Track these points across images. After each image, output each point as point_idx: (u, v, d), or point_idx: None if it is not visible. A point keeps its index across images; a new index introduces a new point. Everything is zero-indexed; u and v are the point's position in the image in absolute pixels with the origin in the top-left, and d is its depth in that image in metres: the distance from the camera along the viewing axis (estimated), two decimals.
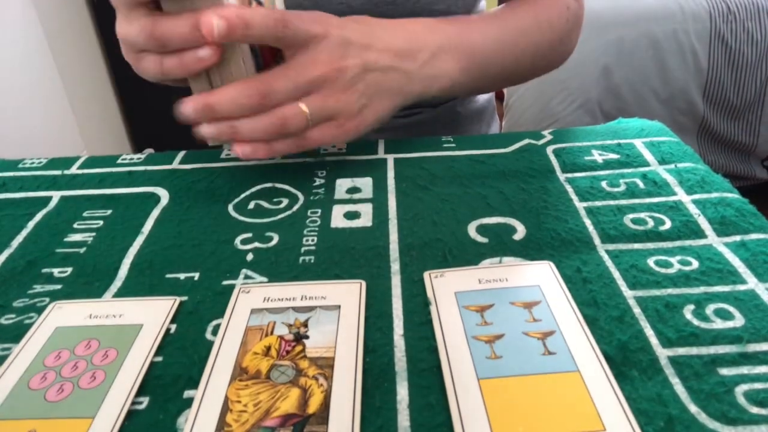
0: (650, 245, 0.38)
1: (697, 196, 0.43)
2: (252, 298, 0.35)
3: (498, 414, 0.27)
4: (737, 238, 0.38)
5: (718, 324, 0.32)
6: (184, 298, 0.36)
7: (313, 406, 0.27)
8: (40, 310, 0.35)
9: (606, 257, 0.37)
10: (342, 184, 0.47)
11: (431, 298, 0.34)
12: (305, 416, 0.27)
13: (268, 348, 0.31)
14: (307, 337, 0.31)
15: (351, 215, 0.43)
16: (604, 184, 0.45)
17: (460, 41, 0.50)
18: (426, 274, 0.36)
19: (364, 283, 0.35)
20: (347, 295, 0.34)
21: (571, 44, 0.59)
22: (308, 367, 0.30)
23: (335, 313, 0.33)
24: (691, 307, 0.33)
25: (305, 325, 0.32)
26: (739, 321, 0.32)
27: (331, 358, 0.30)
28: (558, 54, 0.58)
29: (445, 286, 0.35)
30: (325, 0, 0.58)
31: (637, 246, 0.38)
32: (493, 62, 0.52)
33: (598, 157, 0.49)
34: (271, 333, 0.32)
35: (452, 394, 0.28)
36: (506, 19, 0.54)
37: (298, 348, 0.31)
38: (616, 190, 0.44)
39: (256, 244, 0.40)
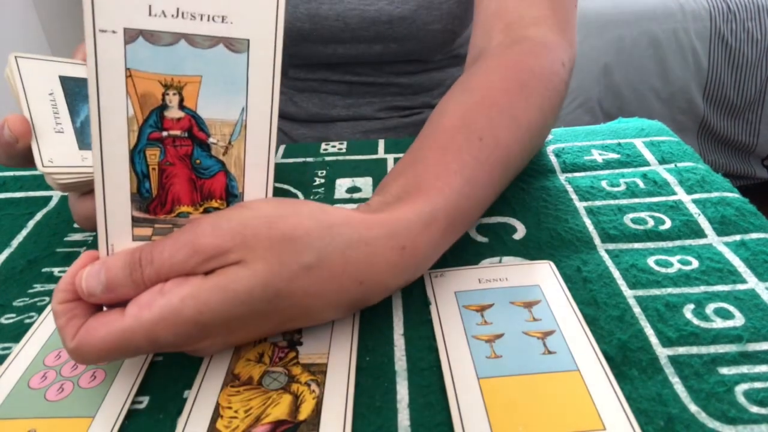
0: (650, 245, 0.38)
1: (697, 196, 0.43)
2: None
3: (498, 413, 0.27)
4: (737, 237, 0.38)
5: (718, 323, 0.32)
6: None
7: (305, 412, 0.27)
8: (40, 310, 0.35)
9: (606, 257, 0.37)
10: (342, 184, 0.47)
11: (431, 298, 0.34)
12: (296, 423, 0.27)
13: (261, 355, 0.31)
14: (300, 344, 0.31)
15: None
16: (604, 183, 0.45)
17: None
18: (426, 274, 0.36)
19: None
20: None
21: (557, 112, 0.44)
22: (301, 374, 0.29)
23: None
24: (691, 306, 0.33)
25: (299, 332, 0.32)
26: (739, 320, 0.32)
27: (324, 365, 0.30)
28: (547, 131, 0.45)
29: (445, 286, 0.35)
30: (320, 16, 0.58)
31: (637, 245, 0.38)
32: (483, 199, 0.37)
33: (598, 156, 0.49)
34: (265, 339, 0.32)
35: (452, 393, 0.28)
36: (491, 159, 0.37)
37: (291, 354, 0.31)
38: (616, 189, 0.44)
39: None
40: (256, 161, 0.28)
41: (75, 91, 0.36)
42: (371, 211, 0.32)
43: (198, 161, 0.28)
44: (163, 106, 0.26)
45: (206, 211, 0.29)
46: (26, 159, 0.35)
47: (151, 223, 0.28)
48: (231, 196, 0.29)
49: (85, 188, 0.34)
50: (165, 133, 0.27)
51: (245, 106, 0.27)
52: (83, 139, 0.34)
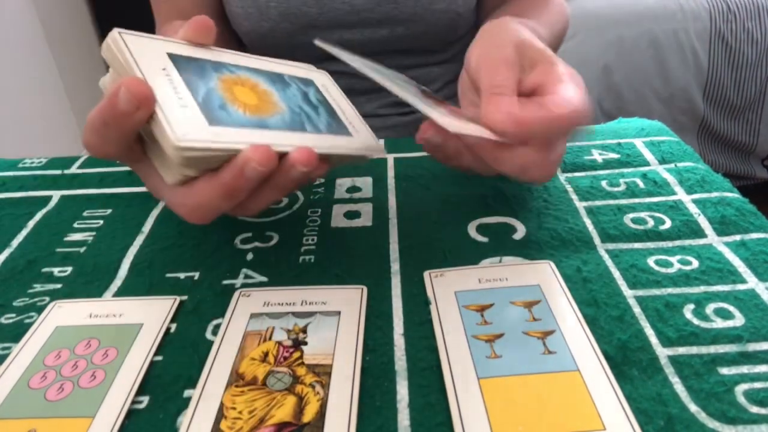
0: (650, 245, 0.38)
1: (697, 196, 0.43)
2: (252, 303, 0.34)
3: (498, 413, 0.27)
4: (737, 237, 0.38)
5: (718, 323, 0.32)
6: (184, 297, 0.36)
7: (309, 414, 0.27)
8: (40, 310, 0.35)
9: (606, 257, 0.37)
10: (342, 184, 0.47)
11: (431, 298, 0.34)
12: (300, 425, 0.27)
13: (266, 354, 0.31)
14: (305, 344, 0.31)
15: (351, 215, 0.43)
16: (604, 183, 0.45)
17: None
18: (426, 274, 0.36)
19: (365, 289, 0.35)
20: (348, 301, 0.34)
21: None
22: (305, 375, 0.29)
23: (335, 319, 0.33)
24: (691, 306, 0.33)
25: (304, 331, 0.32)
26: (739, 320, 0.32)
27: (328, 366, 0.30)
28: None
29: (445, 286, 0.35)
30: (328, 0, 0.59)
31: (637, 245, 0.38)
32: None
33: (598, 156, 0.49)
34: (270, 338, 0.32)
35: (452, 393, 0.28)
36: (551, 24, 0.55)
37: (296, 354, 0.31)
38: (616, 189, 0.44)
39: (256, 244, 0.40)
40: None
41: (188, 68, 0.32)
42: None
43: None
44: None
45: None
46: (128, 144, 0.30)
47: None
48: None
49: (210, 165, 0.30)
50: None
51: None
52: (210, 115, 0.30)
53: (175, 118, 0.29)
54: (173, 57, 0.32)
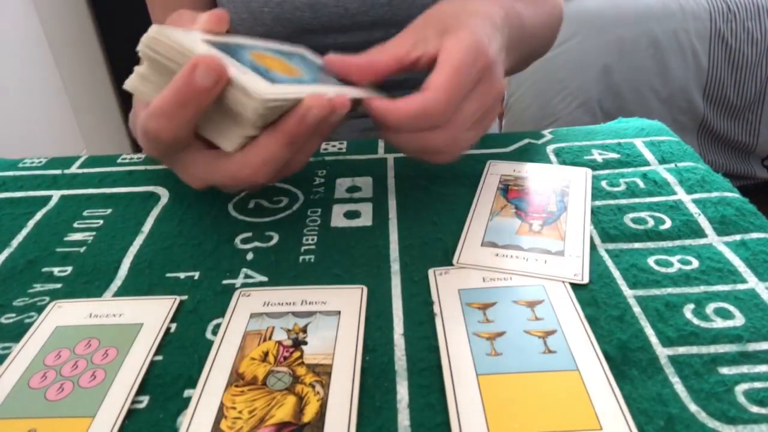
0: (650, 244, 0.38)
1: (697, 196, 0.43)
2: (252, 302, 0.34)
3: (494, 409, 0.27)
4: (737, 237, 0.38)
5: (719, 323, 0.32)
6: (184, 297, 0.36)
7: (309, 414, 0.27)
8: (40, 309, 0.35)
9: (606, 256, 0.37)
10: (342, 184, 0.47)
11: (434, 295, 0.34)
12: (300, 425, 0.27)
13: (266, 354, 0.31)
14: (305, 343, 0.31)
15: (351, 214, 0.43)
16: (604, 183, 0.45)
17: (514, 16, 0.48)
18: (431, 271, 0.36)
19: (365, 289, 0.35)
20: (348, 301, 0.34)
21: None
22: (305, 374, 0.29)
23: (335, 319, 0.33)
24: (691, 306, 0.33)
25: (304, 330, 0.32)
26: (739, 320, 0.32)
27: (328, 365, 0.30)
28: (547, 50, 0.63)
29: (450, 284, 0.35)
30: (321, 4, 0.59)
31: (637, 245, 0.38)
32: (528, 42, 0.52)
33: (598, 156, 0.49)
34: (270, 338, 0.32)
35: (450, 389, 0.28)
36: (536, 6, 0.54)
37: (296, 354, 0.31)
38: (616, 189, 0.44)
39: (256, 244, 0.40)
40: None
41: (226, 48, 0.35)
42: None
43: None
44: None
45: None
46: (189, 127, 0.32)
47: None
48: None
49: (270, 120, 0.33)
50: None
51: None
52: (266, 77, 0.33)
53: (248, 80, 0.31)
54: (209, 42, 0.35)
